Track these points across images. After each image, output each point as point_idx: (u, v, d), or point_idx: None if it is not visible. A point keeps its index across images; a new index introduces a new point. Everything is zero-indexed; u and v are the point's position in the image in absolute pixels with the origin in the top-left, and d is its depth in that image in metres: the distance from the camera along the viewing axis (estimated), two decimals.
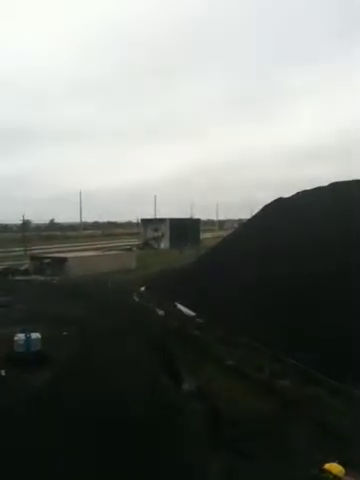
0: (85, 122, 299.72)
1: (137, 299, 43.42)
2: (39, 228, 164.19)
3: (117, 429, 14.59)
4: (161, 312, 36.96)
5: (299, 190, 48.88)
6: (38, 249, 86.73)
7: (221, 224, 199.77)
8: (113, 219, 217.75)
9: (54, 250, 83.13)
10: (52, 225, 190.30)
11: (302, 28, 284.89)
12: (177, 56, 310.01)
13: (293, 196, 48.97)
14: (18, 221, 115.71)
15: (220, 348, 26.07)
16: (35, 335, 25.44)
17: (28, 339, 24.90)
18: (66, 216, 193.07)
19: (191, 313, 35.43)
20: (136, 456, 13.54)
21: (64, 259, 63.00)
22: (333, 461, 12.79)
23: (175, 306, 37.94)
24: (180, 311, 36.72)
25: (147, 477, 12.89)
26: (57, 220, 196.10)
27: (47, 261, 64.62)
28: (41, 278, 58.29)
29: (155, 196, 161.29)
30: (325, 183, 47.02)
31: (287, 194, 50.70)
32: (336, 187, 44.14)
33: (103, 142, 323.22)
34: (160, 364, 22.96)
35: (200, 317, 33.65)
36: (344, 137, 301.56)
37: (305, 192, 47.71)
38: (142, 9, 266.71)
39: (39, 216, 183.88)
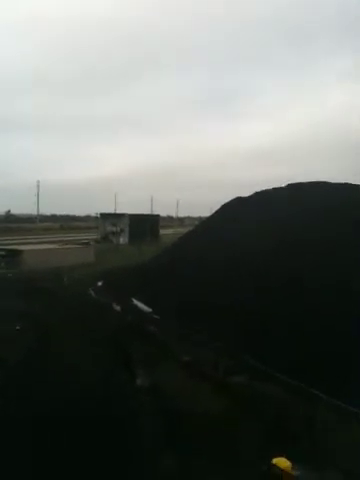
0: (42, 112, 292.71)
1: (94, 294, 43.02)
2: None
3: (67, 425, 14.39)
4: (118, 308, 36.77)
5: (257, 190, 49.62)
6: None
7: (181, 221, 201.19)
8: (72, 212, 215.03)
9: (9, 242, 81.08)
10: (8, 216, 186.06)
11: (262, 30, 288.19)
12: (136, 53, 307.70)
13: (252, 195, 49.62)
14: None
15: (176, 344, 26.15)
16: None
17: None
18: (22, 207, 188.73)
19: (147, 309, 35.41)
20: (88, 453, 13.39)
21: (19, 252, 61.55)
22: (280, 456, 13.00)
23: (132, 302, 37.83)
24: (137, 307, 36.64)
25: (94, 472, 12.75)
26: (13, 211, 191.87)
27: (1, 253, 62.97)
28: None
29: (115, 192, 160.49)
30: (282, 184, 47.90)
31: (245, 194, 51.41)
32: (293, 187, 45.07)
33: (62, 134, 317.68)
34: (115, 360, 22.82)
35: (157, 313, 33.68)
36: (300, 139, 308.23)
37: (263, 192, 48.40)
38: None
39: None
